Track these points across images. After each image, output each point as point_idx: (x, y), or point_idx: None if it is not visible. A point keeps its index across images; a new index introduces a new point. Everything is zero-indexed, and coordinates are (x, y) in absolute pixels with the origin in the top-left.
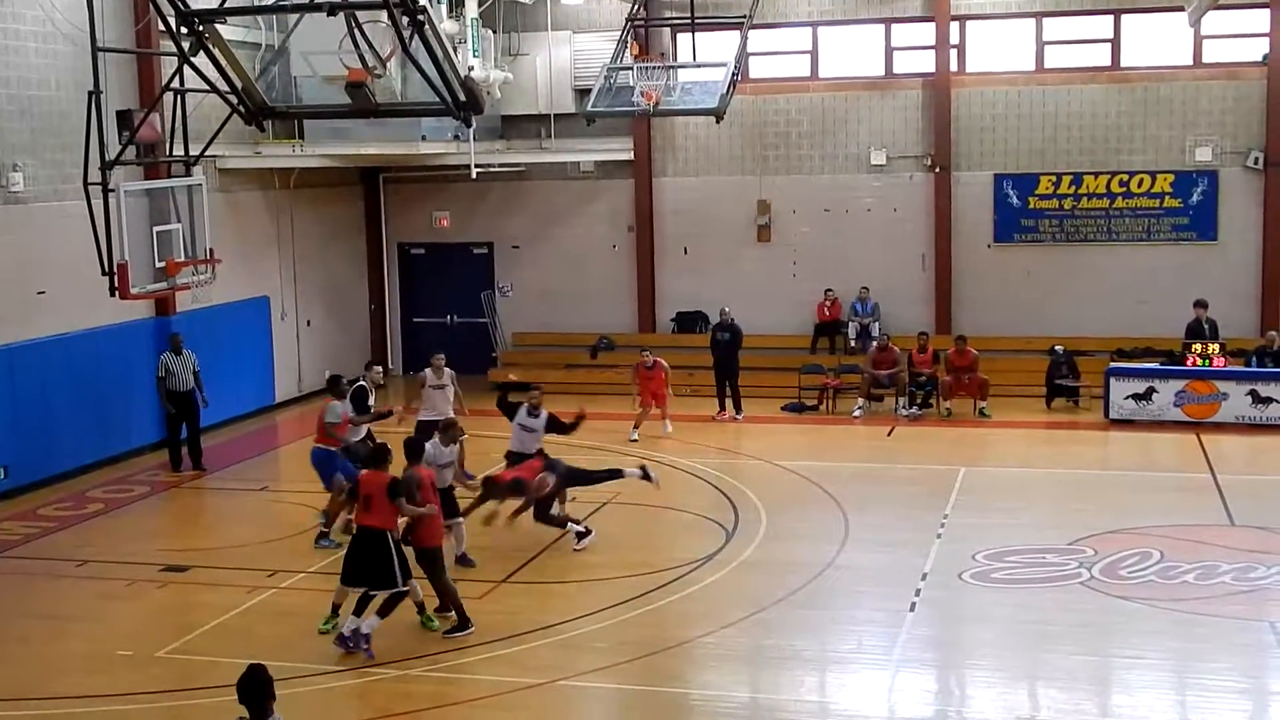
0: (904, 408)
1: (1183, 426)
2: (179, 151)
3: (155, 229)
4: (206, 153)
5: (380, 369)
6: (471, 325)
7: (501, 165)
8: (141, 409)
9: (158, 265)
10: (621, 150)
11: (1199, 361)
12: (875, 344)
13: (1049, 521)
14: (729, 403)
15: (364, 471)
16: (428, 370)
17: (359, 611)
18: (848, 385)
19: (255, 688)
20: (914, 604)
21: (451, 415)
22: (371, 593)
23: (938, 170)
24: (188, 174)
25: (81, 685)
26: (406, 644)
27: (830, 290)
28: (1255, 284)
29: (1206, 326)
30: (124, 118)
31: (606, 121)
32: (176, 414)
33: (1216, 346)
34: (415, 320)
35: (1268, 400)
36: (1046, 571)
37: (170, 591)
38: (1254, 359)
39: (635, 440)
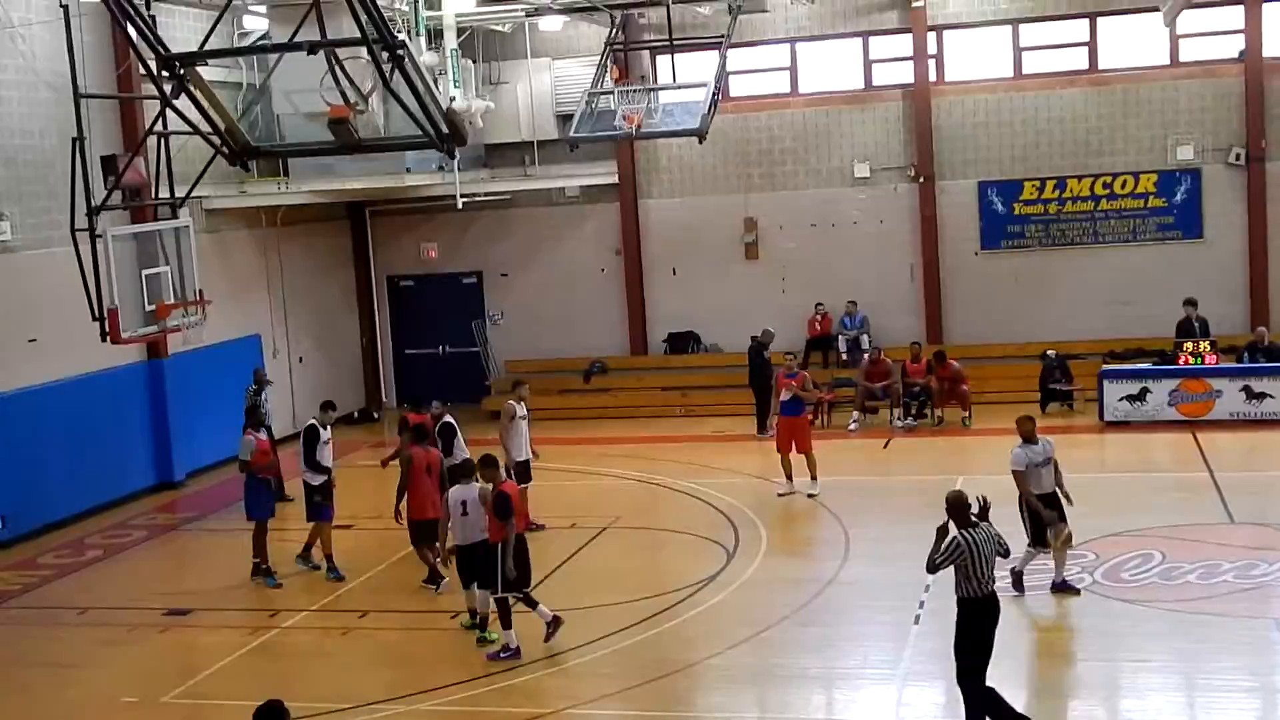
0: (899, 419)
1: (1178, 426)
2: (165, 194)
3: (144, 272)
4: (192, 194)
5: (333, 413)
6: (463, 355)
7: (487, 194)
8: (137, 453)
9: (148, 308)
10: (606, 174)
11: (1191, 360)
12: (867, 357)
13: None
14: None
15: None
16: (514, 403)
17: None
18: (842, 399)
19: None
20: (918, 616)
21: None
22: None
23: (922, 180)
24: (174, 216)
25: None
26: (413, 676)
27: (820, 304)
28: (1243, 280)
29: (1197, 325)
30: (109, 163)
31: (590, 146)
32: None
33: (1208, 344)
34: (407, 352)
35: (1261, 396)
36: (1049, 578)
37: (173, 636)
38: (1245, 355)
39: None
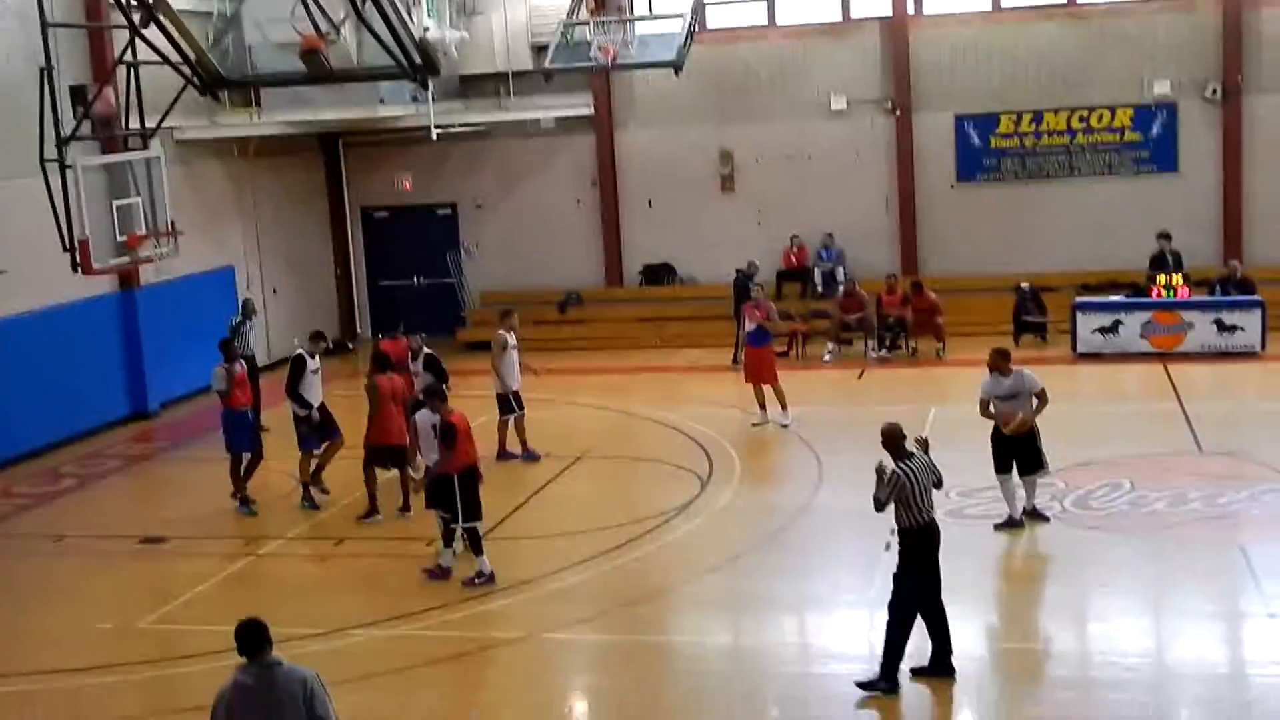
0: (874, 350)
1: (1149, 358)
2: (135, 125)
3: (115, 203)
4: (163, 124)
5: (322, 343)
6: (439, 286)
7: (461, 125)
8: (110, 383)
9: (119, 239)
10: (581, 106)
11: (1164, 293)
12: (842, 288)
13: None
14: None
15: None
16: (504, 332)
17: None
18: (817, 331)
19: (256, 633)
20: (889, 544)
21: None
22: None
23: (898, 113)
24: (145, 147)
25: (63, 659)
26: (388, 602)
27: (796, 236)
28: (1216, 214)
29: (1170, 258)
30: (78, 93)
31: (565, 77)
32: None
33: (1180, 277)
34: (382, 284)
35: (1233, 329)
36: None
37: (148, 563)
38: (1218, 288)
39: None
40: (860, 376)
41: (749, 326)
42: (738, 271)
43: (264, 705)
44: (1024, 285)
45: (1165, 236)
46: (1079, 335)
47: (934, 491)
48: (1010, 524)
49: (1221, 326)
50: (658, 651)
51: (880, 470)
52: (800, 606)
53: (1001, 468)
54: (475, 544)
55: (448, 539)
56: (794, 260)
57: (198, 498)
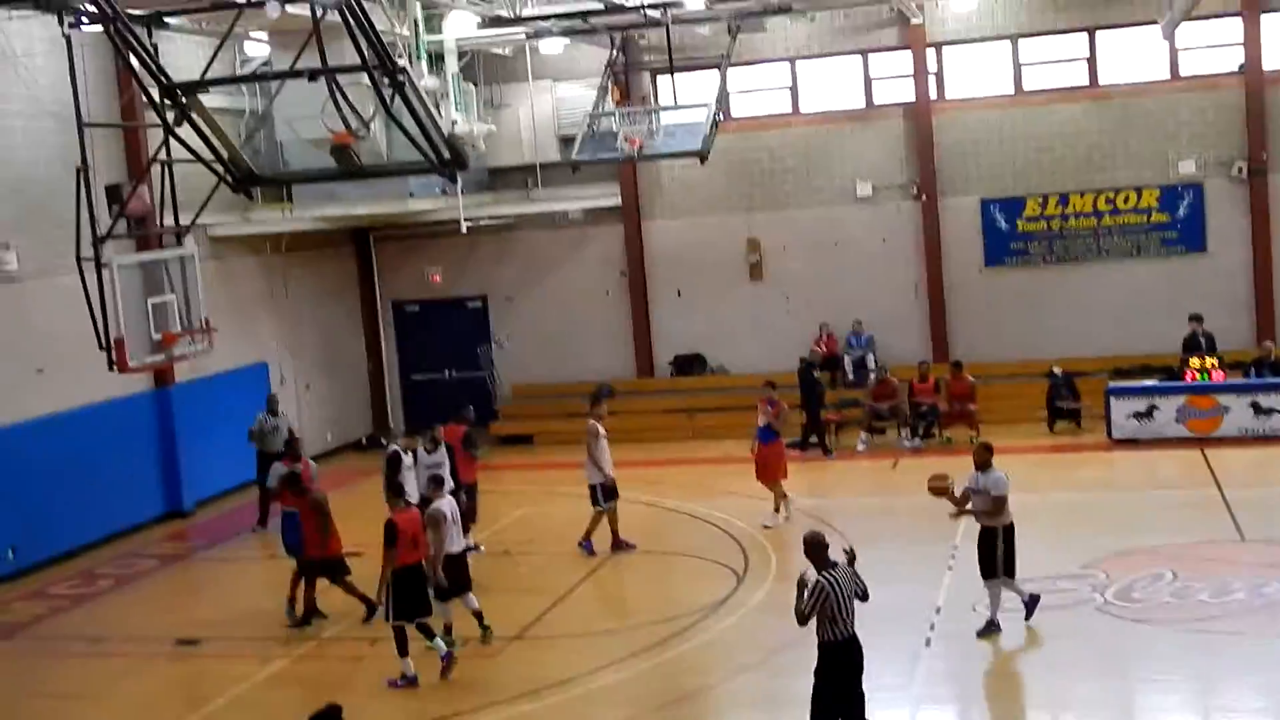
0: (906, 439)
1: (1186, 443)
2: (169, 222)
3: (150, 301)
4: (197, 221)
5: (415, 439)
6: (470, 380)
7: (490, 217)
8: (146, 482)
9: (154, 337)
10: (609, 196)
11: (1198, 376)
12: (874, 376)
13: (1059, 546)
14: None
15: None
16: (595, 421)
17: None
18: (849, 420)
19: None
20: (929, 639)
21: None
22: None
23: (924, 198)
24: (179, 244)
25: None
26: (426, 704)
27: (825, 324)
28: (1248, 293)
29: (1203, 340)
30: (113, 191)
31: (593, 168)
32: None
33: (1214, 360)
34: (413, 377)
35: (1269, 411)
36: (1060, 598)
37: (183, 665)
38: (1252, 370)
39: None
40: (894, 466)
41: (760, 423)
42: (801, 360)
43: None
44: (1056, 370)
45: (1197, 319)
46: (1114, 421)
47: (857, 605)
48: (990, 628)
49: (1258, 409)
50: None
51: (802, 581)
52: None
53: (987, 572)
54: (401, 644)
55: (427, 634)
56: (823, 348)
57: (233, 598)
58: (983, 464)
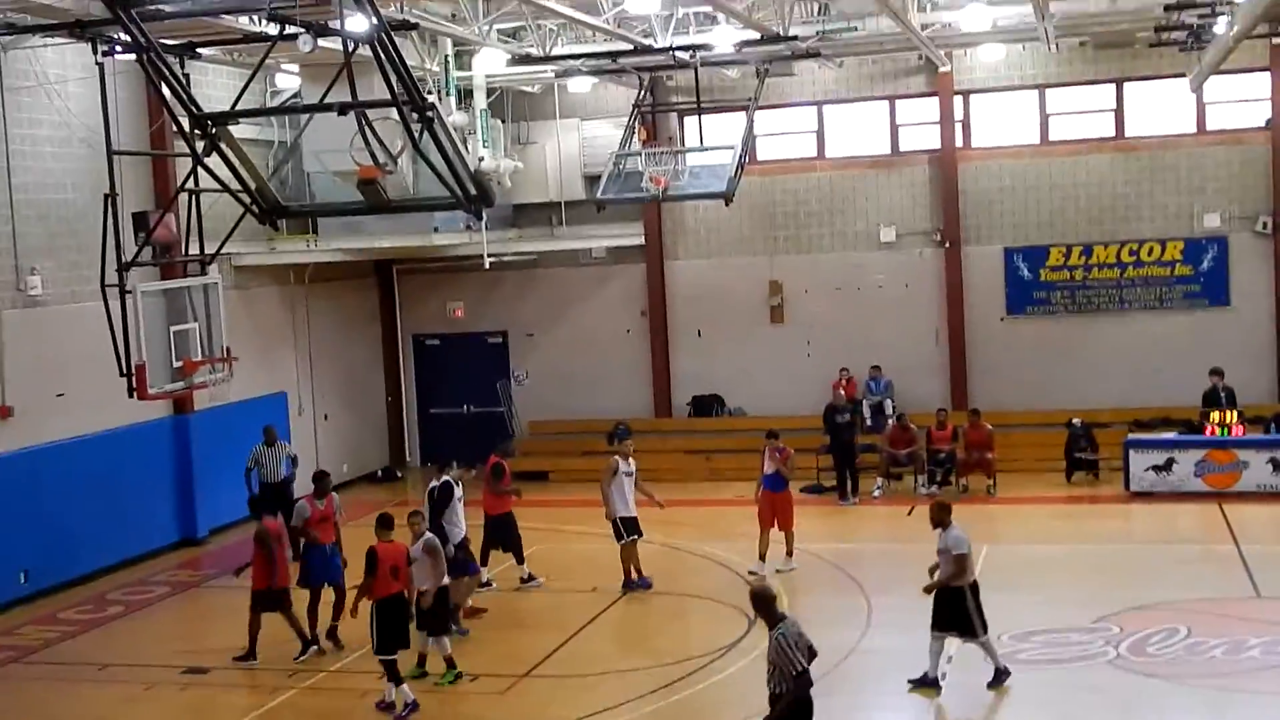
0: (923, 486)
1: (1204, 497)
2: (195, 251)
3: (172, 328)
4: (222, 251)
5: (471, 471)
6: (488, 415)
7: (514, 254)
8: (161, 509)
9: (175, 364)
10: (633, 235)
11: (1218, 430)
12: (892, 422)
13: (1073, 599)
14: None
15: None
16: (620, 459)
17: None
18: (866, 465)
19: None
20: (941, 689)
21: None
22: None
23: (947, 245)
24: (203, 273)
25: None
26: None
27: (845, 369)
28: (1270, 349)
29: (1223, 394)
30: (140, 219)
31: (617, 207)
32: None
33: (1234, 415)
34: (432, 411)
35: None
36: (1073, 651)
37: (192, 694)
38: (1273, 426)
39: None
40: (910, 513)
41: (767, 469)
42: (828, 407)
43: None
44: (1075, 421)
45: (1218, 373)
46: (1132, 473)
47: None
48: (924, 682)
49: (1277, 466)
50: None
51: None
52: None
53: (936, 624)
54: (391, 675)
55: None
56: (843, 393)
57: (242, 628)
58: (941, 523)
